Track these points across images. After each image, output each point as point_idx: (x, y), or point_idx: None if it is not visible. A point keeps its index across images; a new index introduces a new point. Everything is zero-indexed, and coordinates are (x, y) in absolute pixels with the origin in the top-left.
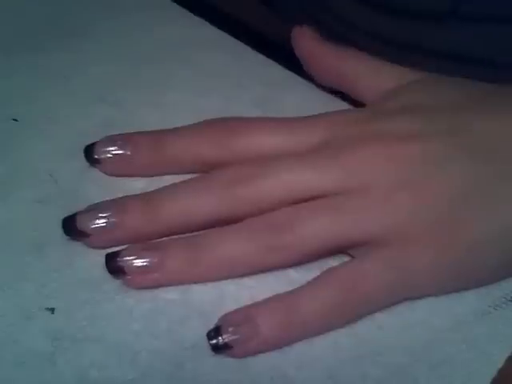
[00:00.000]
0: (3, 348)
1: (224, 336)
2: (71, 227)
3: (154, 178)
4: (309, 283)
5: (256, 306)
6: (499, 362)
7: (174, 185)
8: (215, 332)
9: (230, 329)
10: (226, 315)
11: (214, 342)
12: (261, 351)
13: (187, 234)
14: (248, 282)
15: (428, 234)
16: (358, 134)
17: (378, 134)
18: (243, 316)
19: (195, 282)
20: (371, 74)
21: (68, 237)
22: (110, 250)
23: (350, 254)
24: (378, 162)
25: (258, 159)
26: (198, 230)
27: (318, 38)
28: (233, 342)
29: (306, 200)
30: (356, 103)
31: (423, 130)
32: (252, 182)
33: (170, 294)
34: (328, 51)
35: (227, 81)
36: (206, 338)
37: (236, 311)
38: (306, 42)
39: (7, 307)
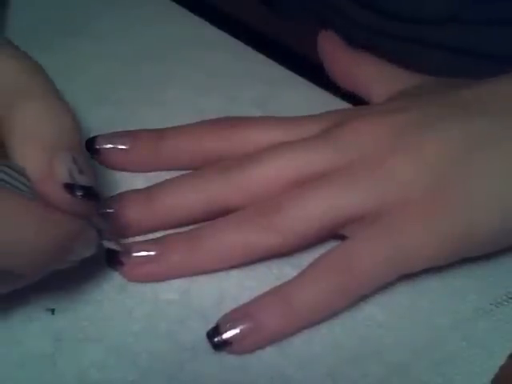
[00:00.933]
0: (4, 349)
1: (223, 333)
2: None
3: (153, 177)
4: (303, 271)
5: (253, 301)
6: (501, 360)
7: (172, 178)
8: (214, 330)
9: (229, 325)
10: (224, 315)
11: (214, 340)
12: (260, 346)
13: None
14: (248, 282)
15: (423, 201)
16: (353, 119)
17: (368, 113)
18: (241, 313)
19: (194, 274)
20: (381, 80)
21: None
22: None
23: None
24: (365, 133)
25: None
26: (197, 223)
27: (340, 42)
28: (232, 338)
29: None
30: (360, 104)
31: (415, 103)
32: (245, 169)
33: (170, 294)
34: (346, 56)
35: (227, 80)
36: (205, 338)
37: (234, 310)
38: (329, 46)
39: (8, 308)
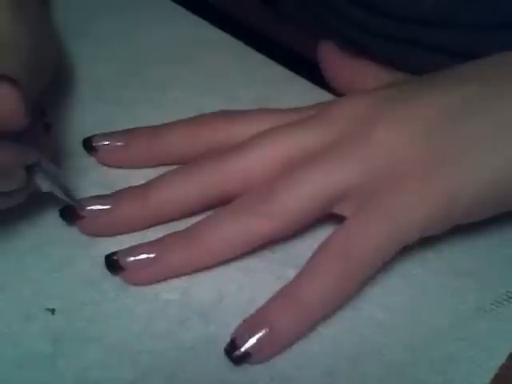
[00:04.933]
0: (3, 349)
1: (241, 346)
2: (69, 211)
3: (153, 174)
4: (306, 266)
5: (265, 308)
6: (501, 359)
7: (167, 172)
8: (232, 345)
9: (246, 337)
10: (238, 326)
11: (234, 354)
12: (280, 351)
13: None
14: (248, 282)
15: (412, 171)
16: (339, 99)
17: (354, 93)
18: (256, 321)
19: (196, 271)
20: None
21: (64, 221)
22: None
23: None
24: (349, 108)
25: None
26: (194, 215)
27: (339, 51)
28: (251, 348)
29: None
30: None
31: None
32: (238, 155)
33: (170, 294)
34: (345, 64)
35: (227, 80)
36: (205, 338)
37: (247, 319)
38: (329, 55)
39: (7, 308)
